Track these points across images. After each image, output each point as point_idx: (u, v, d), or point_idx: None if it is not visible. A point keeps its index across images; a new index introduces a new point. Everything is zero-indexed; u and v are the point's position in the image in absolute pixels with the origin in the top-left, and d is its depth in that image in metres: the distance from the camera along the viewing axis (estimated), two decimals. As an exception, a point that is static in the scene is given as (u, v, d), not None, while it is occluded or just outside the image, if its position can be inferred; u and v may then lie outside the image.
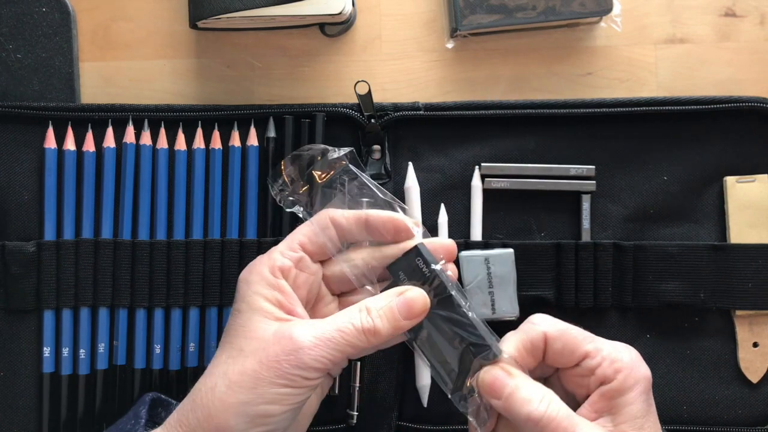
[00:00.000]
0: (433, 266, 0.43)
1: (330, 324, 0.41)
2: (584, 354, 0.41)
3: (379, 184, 0.55)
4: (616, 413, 0.40)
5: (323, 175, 0.46)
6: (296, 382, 0.40)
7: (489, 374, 0.41)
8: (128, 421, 0.46)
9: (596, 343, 0.42)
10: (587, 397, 0.41)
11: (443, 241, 0.46)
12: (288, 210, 0.47)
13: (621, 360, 0.41)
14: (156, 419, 0.48)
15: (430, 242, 0.45)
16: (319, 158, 0.47)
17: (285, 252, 0.44)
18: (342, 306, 0.46)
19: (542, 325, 0.42)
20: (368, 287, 0.45)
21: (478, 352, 0.42)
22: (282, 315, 0.42)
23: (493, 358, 0.42)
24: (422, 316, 0.42)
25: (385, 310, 0.42)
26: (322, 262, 0.45)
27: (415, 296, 0.42)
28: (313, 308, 0.46)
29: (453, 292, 0.42)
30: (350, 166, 0.46)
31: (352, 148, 0.47)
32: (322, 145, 0.47)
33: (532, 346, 0.42)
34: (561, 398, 0.42)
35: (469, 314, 0.42)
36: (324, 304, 0.46)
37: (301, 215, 0.47)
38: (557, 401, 0.40)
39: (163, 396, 0.50)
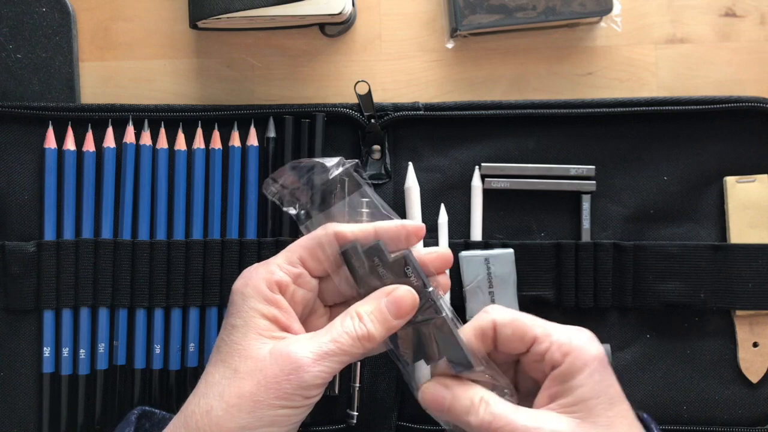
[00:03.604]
0: (428, 289, 0.42)
1: (325, 336, 0.40)
2: (533, 339, 0.42)
3: (379, 184, 0.55)
4: (567, 396, 0.40)
5: (324, 180, 0.45)
6: (296, 402, 0.39)
7: (428, 391, 0.42)
8: None
9: (546, 328, 0.42)
10: None
11: (441, 250, 0.45)
12: (285, 209, 0.46)
13: (569, 343, 0.41)
14: None
15: (430, 251, 0.45)
16: (321, 166, 0.46)
17: (283, 266, 0.42)
18: (334, 316, 0.46)
19: (492, 313, 0.43)
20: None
21: (458, 368, 0.42)
22: (278, 333, 0.41)
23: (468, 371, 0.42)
24: (412, 312, 0.42)
25: (376, 314, 0.41)
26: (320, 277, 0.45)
27: (403, 294, 0.42)
28: (305, 321, 0.45)
29: (444, 314, 0.42)
30: (354, 173, 0.45)
31: (357, 161, 0.46)
32: (330, 158, 0.46)
33: (481, 332, 0.42)
34: (526, 386, 0.43)
35: (458, 335, 0.42)
36: (317, 316, 0.46)
37: (296, 217, 0.46)
38: (494, 402, 0.40)
39: (147, 408, 0.49)
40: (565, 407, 0.40)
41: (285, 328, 0.42)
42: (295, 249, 0.43)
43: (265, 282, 0.42)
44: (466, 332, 0.43)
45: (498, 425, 0.39)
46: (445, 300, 0.43)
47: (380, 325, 0.41)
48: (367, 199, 0.45)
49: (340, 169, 0.45)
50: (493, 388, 0.42)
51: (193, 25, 0.55)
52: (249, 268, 0.44)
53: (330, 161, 0.45)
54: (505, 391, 0.42)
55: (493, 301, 0.53)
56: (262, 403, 0.38)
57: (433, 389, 0.42)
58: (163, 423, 0.47)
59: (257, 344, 0.40)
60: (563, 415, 0.40)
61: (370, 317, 0.41)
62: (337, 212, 0.45)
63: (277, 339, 0.41)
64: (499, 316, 0.43)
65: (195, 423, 0.39)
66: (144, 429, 0.47)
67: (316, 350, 0.39)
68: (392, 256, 0.43)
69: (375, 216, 0.45)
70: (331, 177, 0.45)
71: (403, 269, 0.42)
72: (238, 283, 0.43)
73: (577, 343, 0.41)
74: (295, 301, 0.43)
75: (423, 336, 0.42)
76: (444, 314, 0.42)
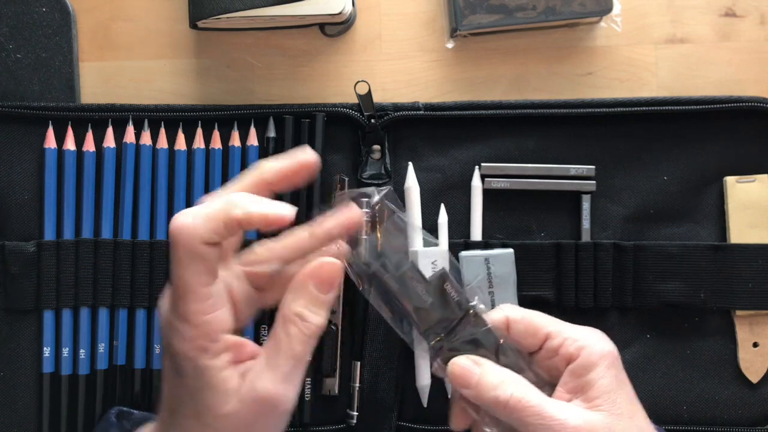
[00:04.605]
0: (472, 303, 0.43)
1: (281, 359, 0.38)
2: (546, 335, 0.42)
3: (379, 184, 0.55)
4: (587, 390, 0.40)
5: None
6: (282, 428, 0.39)
7: (457, 365, 0.42)
8: None
9: (558, 325, 0.43)
10: None
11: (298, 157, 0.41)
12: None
13: (583, 338, 0.42)
14: None
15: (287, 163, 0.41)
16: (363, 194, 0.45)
17: (199, 296, 0.37)
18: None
19: (505, 310, 0.44)
20: None
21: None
22: (232, 363, 0.38)
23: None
24: (341, 279, 0.41)
25: (313, 302, 0.39)
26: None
27: (331, 269, 0.39)
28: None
29: (491, 324, 0.43)
30: (387, 203, 0.45)
31: (390, 187, 0.45)
32: (361, 190, 0.44)
33: (494, 325, 0.43)
34: (537, 385, 0.42)
35: (506, 337, 0.43)
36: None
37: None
38: (524, 384, 0.41)
39: (123, 408, 0.48)
40: (589, 401, 0.40)
41: (236, 352, 0.38)
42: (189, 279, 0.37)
43: (206, 334, 0.37)
44: None
45: (526, 404, 0.39)
46: (482, 308, 0.44)
47: (321, 310, 0.39)
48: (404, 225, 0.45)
49: (376, 197, 0.44)
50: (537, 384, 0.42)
51: (193, 25, 0.55)
52: (170, 321, 0.37)
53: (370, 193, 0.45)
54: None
55: (493, 301, 0.53)
56: None
57: (464, 362, 0.42)
58: (141, 422, 0.46)
59: (224, 398, 0.37)
60: (588, 410, 0.40)
61: (311, 310, 0.39)
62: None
63: (236, 364, 0.38)
64: (512, 312, 0.43)
65: None
66: (126, 429, 0.47)
67: (282, 378, 0.37)
68: (429, 276, 0.43)
69: (398, 229, 0.45)
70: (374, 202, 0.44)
71: (442, 287, 0.43)
72: (179, 345, 0.37)
73: (590, 339, 0.42)
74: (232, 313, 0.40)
75: (473, 348, 0.43)
76: (490, 324, 0.43)
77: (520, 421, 0.39)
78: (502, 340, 0.43)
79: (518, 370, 0.42)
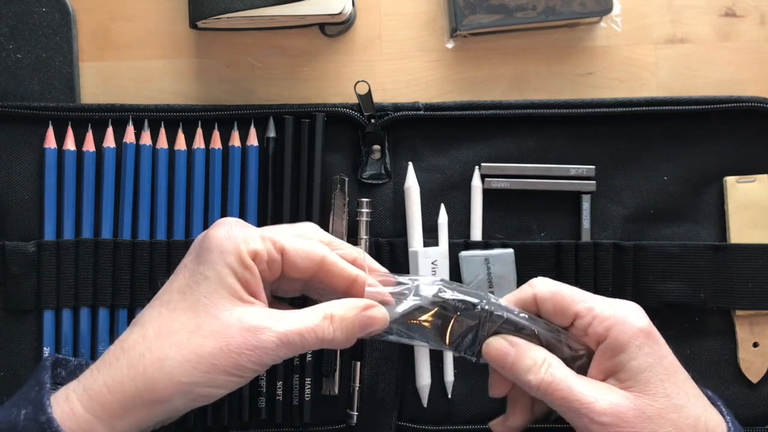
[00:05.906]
0: (483, 302, 0.43)
1: (295, 324, 0.40)
2: (574, 314, 0.42)
3: (379, 184, 0.55)
4: (619, 371, 0.41)
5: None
6: (247, 374, 0.40)
7: (492, 345, 0.42)
8: (31, 390, 0.42)
9: (589, 302, 0.42)
10: None
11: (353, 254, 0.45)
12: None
13: (612, 316, 0.41)
14: (57, 380, 0.45)
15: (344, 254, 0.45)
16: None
17: (269, 245, 0.42)
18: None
19: (536, 287, 0.44)
20: None
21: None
22: (246, 296, 0.41)
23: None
24: (379, 330, 0.43)
25: (347, 323, 0.42)
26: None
27: (377, 316, 0.42)
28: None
29: (506, 315, 0.43)
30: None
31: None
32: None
33: (522, 305, 0.44)
34: (573, 359, 0.43)
35: (525, 320, 0.43)
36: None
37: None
38: (556, 365, 0.41)
39: (60, 355, 0.48)
40: (621, 382, 0.40)
41: (252, 293, 0.42)
42: (289, 242, 0.43)
43: (246, 248, 0.41)
44: (506, 303, 0.44)
45: (556, 388, 0.40)
46: (493, 299, 0.44)
47: (345, 335, 0.42)
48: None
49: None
50: (572, 357, 0.43)
51: (193, 25, 0.55)
52: (232, 220, 0.43)
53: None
54: (580, 353, 0.43)
55: (493, 301, 0.53)
56: (219, 367, 0.39)
57: (499, 344, 0.42)
58: (79, 370, 0.45)
59: (227, 304, 0.40)
60: (620, 390, 0.40)
61: (342, 324, 0.41)
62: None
63: (244, 303, 0.41)
64: (541, 290, 0.43)
65: (143, 368, 0.39)
66: (61, 377, 0.45)
67: (282, 336, 0.40)
68: (429, 298, 0.43)
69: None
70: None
71: (447, 307, 0.43)
72: (220, 233, 0.42)
73: (621, 316, 0.41)
74: (263, 276, 0.43)
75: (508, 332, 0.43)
76: (506, 315, 0.43)
77: (552, 404, 0.40)
78: (527, 323, 0.43)
79: (554, 346, 0.43)
